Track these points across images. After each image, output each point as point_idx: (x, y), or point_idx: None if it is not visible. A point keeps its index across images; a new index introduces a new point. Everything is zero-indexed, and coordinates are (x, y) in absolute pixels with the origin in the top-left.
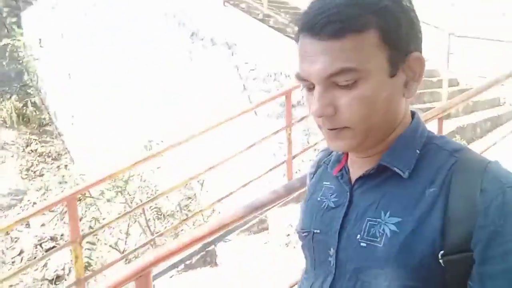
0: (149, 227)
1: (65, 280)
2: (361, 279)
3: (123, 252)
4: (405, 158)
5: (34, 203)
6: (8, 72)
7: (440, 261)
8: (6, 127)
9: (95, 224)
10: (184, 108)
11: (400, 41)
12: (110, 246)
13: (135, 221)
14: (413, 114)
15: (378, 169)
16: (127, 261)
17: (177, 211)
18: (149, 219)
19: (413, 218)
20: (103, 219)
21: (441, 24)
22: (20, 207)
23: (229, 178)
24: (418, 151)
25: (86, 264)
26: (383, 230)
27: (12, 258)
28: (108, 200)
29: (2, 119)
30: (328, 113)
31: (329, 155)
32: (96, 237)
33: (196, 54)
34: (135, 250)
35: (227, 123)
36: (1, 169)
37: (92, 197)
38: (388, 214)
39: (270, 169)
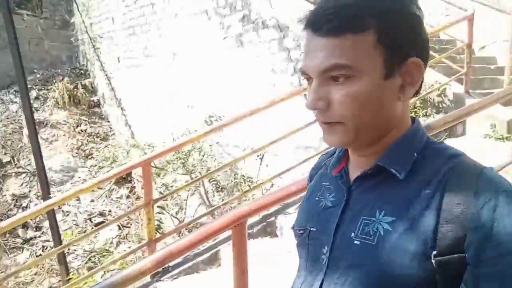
0: (208, 199)
1: (112, 253)
2: (352, 276)
3: (182, 221)
4: (402, 160)
5: (84, 180)
6: (60, 55)
7: (433, 261)
8: (58, 107)
9: (164, 191)
10: (237, 89)
11: (397, 45)
12: (171, 215)
13: (194, 193)
14: (413, 119)
15: (375, 169)
16: (187, 230)
17: (236, 184)
18: (208, 191)
19: (407, 218)
20: (171, 186)
21: (506, 8)
22: (71, 183)
23: (286, 154)
24: (415, 154)
25: (156, 227)
26: (377, 228)
27: (64, 231)
28: (174, 170)
29: (55, 99)
30: (320, 106)
31: (330, 157)
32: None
33: (247, 37)
34: (194, 220)
35: (278, 104)
36: (54, 147)
37: (157, 167)
38: (383, 213)
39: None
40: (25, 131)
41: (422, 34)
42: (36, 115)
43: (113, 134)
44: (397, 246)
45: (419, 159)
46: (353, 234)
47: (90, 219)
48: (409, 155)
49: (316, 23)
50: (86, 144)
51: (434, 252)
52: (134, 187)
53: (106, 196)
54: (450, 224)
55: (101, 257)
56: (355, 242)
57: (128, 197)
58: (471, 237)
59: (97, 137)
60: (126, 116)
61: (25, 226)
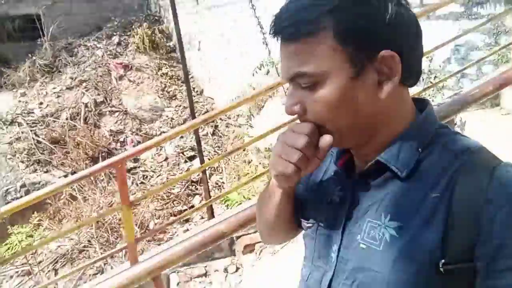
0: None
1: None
2: (359, 279)
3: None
4: (403, 157)
5: (172, 118)
6: (132, 3)
7: (441, 269)
8: (139, 52)
9: None
10: None
11: (361, 41)
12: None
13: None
14: (423, 105)
15: (377, 165)
16: None
17: None
18: None
19: (413, 225)
20: None
21: None
22: (160, 121)
23: None
24: (420, 150)
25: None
26: (383, 233)
27: (159, 163)
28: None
29: (136, 44)
30: (296, 111)
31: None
32: None
33: None
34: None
35: None
36: (140, 88)
37: None
38: (388, 217)
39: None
40: (113, 73)
41: (391, 23)
42: (120, 59)
43: (192, 77)
44: (403, 254)
45: (424, 155)
46: (359, 236)
47: (182, 153)
48: (412, 151)
49: (275, 31)
50: (169, 86)
51: (443, 260)
52: (217, 125)
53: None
54: (459, 233)
55: None
56: (361, 245)
57: (213, 134)
58: (482, 248)
59: (178, 79)
60: (204, 60)
61: None
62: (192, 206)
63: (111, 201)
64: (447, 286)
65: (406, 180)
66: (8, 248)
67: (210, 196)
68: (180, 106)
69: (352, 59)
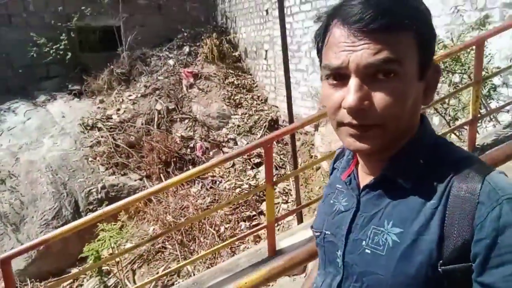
0: None
1: None
2: (366, 282)
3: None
4: (407, 169)
5: (238, 125)
6: (199, 15)
7: (439, 269)
8: (208, 61)
9: None
10: None
11: (429, 48)
12: None
13: None
14: (422, 118)
15: (382, 178)
16: None
17: None
18: None
19: (413, 230)
20: None
21: None
22: (227, 128)
23: None
24: (422, 161)
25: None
26: (386, 239)
27: (226, 169)
28: None
29: (205, 54)
30: (365, 106)
31: (341, 157)
32: None
33: None
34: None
35: None
36: (209, 96)
37: None
38: (390, 224)
39: None
40: (184, 82)
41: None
42: (190, 68)
43: (256, 86)
44: (404, 257)
45: (424, 166)
46: (364, 242)
47: (249, 159)
48: (415, 163)
49: (362, 19)
50: (235, 94)
51: (441, 261)
52: None
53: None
54: (454, 235)
55: None
56: (367, 251)
57: (277, 142)
58: (476, 249)
59: (243, 88)
60: (269, 69)
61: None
62: (261, 212)
63: (182, 205)
64: (445, 285)
65: (408, 189)
66: (99, 245)
67: (300, 202)
68: (245, 114)
69: (421, 63)
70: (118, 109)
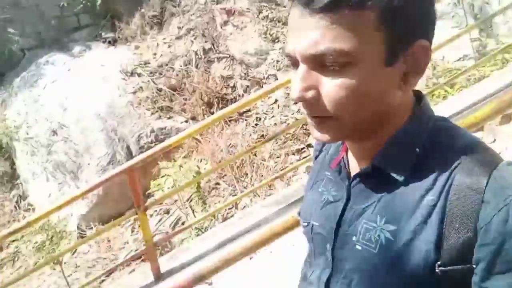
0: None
1: None
2: (356, 279)
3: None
4: (401, 160)
5: (277, 61)
6: None
7: (437, 271)
8: None
9: None
10: None
11: (403, 25)
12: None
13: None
14: (420, 99)
15: (374, 169)
16: None
17: None
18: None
19: (408, 228)
20: None
21: None
22: (266, 65)
23: None
24: (418, 150)
25: None
26: (379, 236)
27: (269, 105)
28: None
29: None
30: (309, 97)
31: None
32: None
33: None
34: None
35: None
36: (244, 33)
37: None
38: (384, 220)
39: None
40: (218, 20)
41: (431, 11)
42: (222, 5)
43: None
44: (399, 257)
45: (421, 156)
46: (354, 238)
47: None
48: (410, 153)
49: None
50: (270, 28)
51: (439, 262)
52: None
53: None
54: (455, 234)
55: None
56: (357, 247)
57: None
58: (479, 253)
59: (279, 21)
60: None
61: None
62: (309, 145)
63: (230, 143)
64: (442, 287)
65: (403, 182)
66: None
67: None
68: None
69: (389, 44)
70: (155, 54)
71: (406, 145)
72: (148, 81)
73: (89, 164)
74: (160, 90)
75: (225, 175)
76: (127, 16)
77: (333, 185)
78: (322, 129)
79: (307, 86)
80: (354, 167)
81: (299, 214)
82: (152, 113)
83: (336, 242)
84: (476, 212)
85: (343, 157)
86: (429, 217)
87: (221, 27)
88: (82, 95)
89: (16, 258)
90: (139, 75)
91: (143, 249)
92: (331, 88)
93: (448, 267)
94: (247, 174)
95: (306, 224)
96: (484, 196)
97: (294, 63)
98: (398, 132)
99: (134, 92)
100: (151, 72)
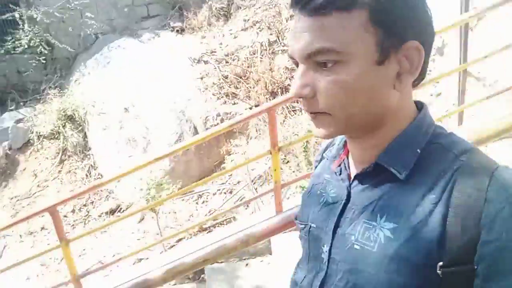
0: None
1: None
2: (352, 281)
3: None
4: (403, 158)
5: None
6: None
7: (439, 272)
8: None
9: None
10: None
11: (394, 25)
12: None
13: None
14: (421, 106)
15: (375, 167)
16: None
17: None
18: None
19: (409, 226)
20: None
21: None
22: None
23: None
24: (419, 151)
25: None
26: (378, 234)
27: None
28: None
29: None
30: (305, 94)
31: (331, 146)
32: None
33: None
34: None
35: None
36: None
37: None
38: (384, 218)
39: None
40: (284, 14)
41: (423, 15)
42: None
43: None
44: (398, 256)
45: (423, 156)
46: (353, 237)
47: None
48: (412, 152)
49: (301, 0)
50: None
51: (441, 263)
52: None
53: None
54: (458, 234)
55: None
56: (355, 246)
57: None
58: (483, 250)
59: None
60: None
61: None
62: None
63: (293, 131)
64: None
65: (404, 181)
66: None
67: None
68: None
69: (381, 43)
70: (221, 43)
71: (407, 146)
72: (215, 68)
73: (158, 140)
74: (226, 77)
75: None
76: (194, 7)
77: (333, 186)
78: (318, 125)
79: (304, 83)
80: (355, 170)
81: (296, 218)
82: (218, 98)
83: (334, 243)
84: (479, 210)
85: (344, 160)
86: (431, 215)
87: (287, 21)
88: (152, 78)
89: (87, 221)
90: (206, 62)
91: (271, 189)
92: (325, 85)
93: (451, 268)
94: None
95: (303, 226)
96: (487, 195)
97: (296, 64)
98: (400, 135)
99: (201, 78)
100: (217, 60)
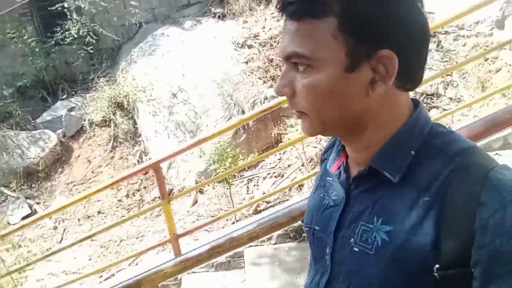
0: None
1: None
2: (353, 283)
3: None
4: (396, 161)
5: None
6: None
7: (435, 274)
8: None
9: None
10: None
11: (365, 34)
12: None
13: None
14: (416, 104)
15: (370, 170)
16: None
17: None
18: None
19: (404, 229)
20: None
21: None
22: None
23: None
24: (413, 152)
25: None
26: (375, 237)
27: None
28: None
29: None
30: (284, 93)
31: (332, 148)
32: None
33: None
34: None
35: None
36: None
37: None
38: (380, 221)
39: None
40: None
41: (403, 21)
42: None
43: None
44: (394, 258)
45: (417, 157)
46: (352, 240)
47: None
48: (405, 154)
49: (279, 5)
50: None
51: (437, 266)
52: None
53: None
54: (452, 237)
55: None
56: (355, 249)
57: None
58: (478, 255)
59: None
60: None
61: None
62: None
63: None
64: None
65: (399, 183)
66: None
67: None
68: None
69: (351, 51)
70: (263, 27)
71: (400, 148)
72: (259, 51)
73: (207, 125)
74: (271, 60)
75: None
76: None
77: (334, 189)
78: (301, 122)
79: (284, 83)
80: (354, 172)
81: (302, 221)
82: (264, 82)
83: (335, 245)
84: (473, 213)
85: (343, 162)
86: (425, 218)
87: None
88: (197, 63)
89: (141, 205)
90: (250, 46)
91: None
92: (300, 86)
93: (447, 271)
94: None
95: (308, 228)
96: (480, 198)
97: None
98: (393, 137)
99: (246, 62)
100: (261, 44)
